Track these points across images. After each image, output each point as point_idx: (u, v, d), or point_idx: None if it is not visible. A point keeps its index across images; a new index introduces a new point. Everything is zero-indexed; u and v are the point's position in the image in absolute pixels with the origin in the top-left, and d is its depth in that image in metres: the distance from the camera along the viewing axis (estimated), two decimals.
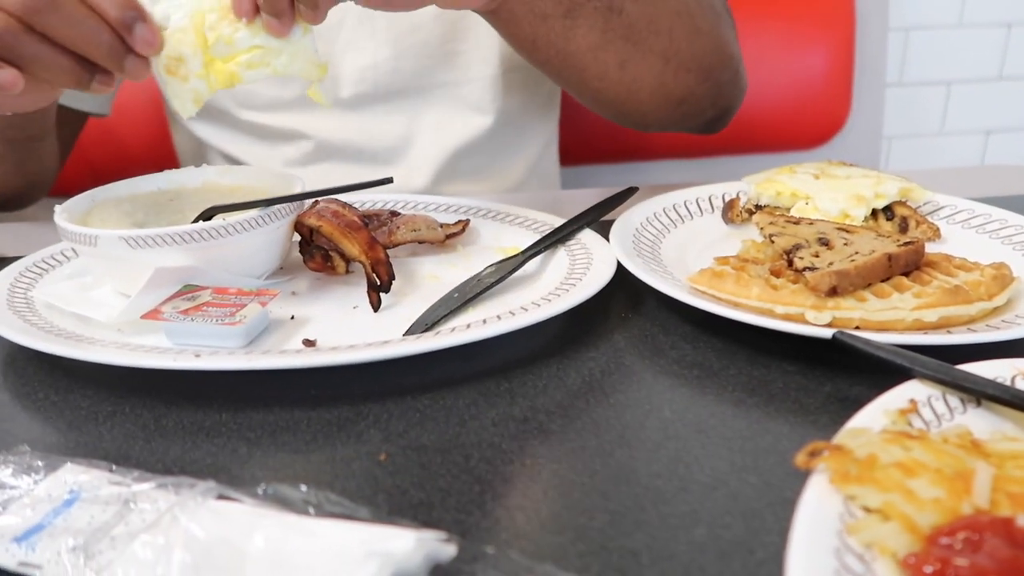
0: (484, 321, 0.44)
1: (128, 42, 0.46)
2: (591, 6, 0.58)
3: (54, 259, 0.55)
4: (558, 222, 0.58)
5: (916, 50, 1.40)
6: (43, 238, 0.61)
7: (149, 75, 0.47)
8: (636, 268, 0.48)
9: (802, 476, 0.33)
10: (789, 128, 1.29)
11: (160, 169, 0.58)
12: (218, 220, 0.48)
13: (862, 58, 1.29)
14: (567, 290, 0.47)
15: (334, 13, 0.77)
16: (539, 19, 0.58)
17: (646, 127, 0.71)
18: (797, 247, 0.47)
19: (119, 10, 0.44)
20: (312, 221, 0.50)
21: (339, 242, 0.49)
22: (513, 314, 0.44)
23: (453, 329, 0.43)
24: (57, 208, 0.50)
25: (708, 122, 0.74)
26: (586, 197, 0.71)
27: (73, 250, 0.56)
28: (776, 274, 0.46)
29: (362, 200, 0.64)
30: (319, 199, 0.53)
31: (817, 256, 0.46)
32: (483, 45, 0.79)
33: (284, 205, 0.50)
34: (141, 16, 0.45)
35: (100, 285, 0.51)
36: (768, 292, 0.44)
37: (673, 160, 1.22)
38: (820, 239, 0.48)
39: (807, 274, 0.43)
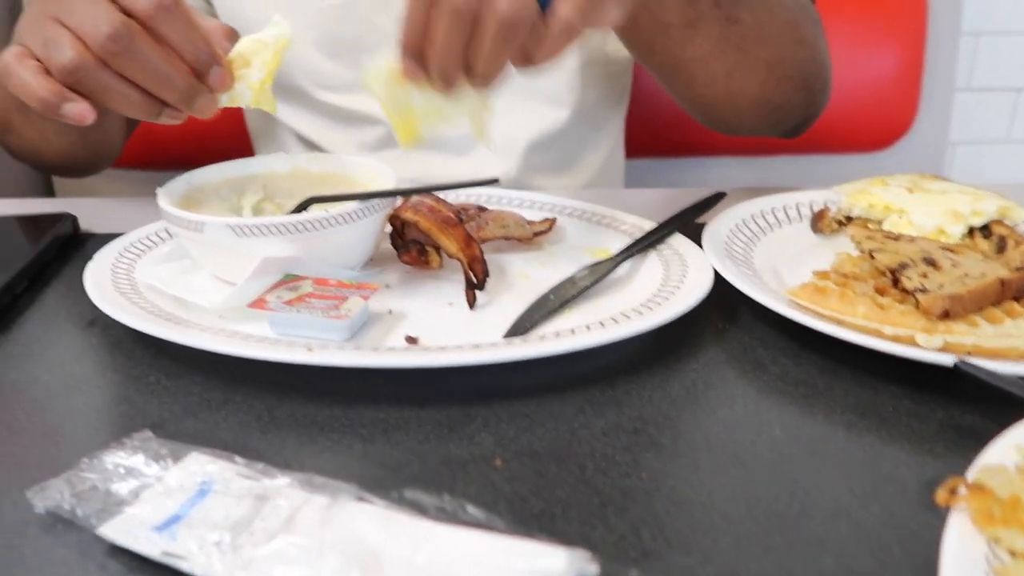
0: (588, 327, 0.44)
1: (204, 83, 0.47)
2: (712, 16, 0.58)
3: (149, 240, 0.56)
4: (645, 224, 0.58)
5: (986, 55, 1.36)
6: (127, 214, 0.61)
7: (214, 114, 0.48)
8: (735, 278, 0.48)
9: (926, 508, 0.33)
10: (854, 130, 1.27)
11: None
12: (320, 211, 0.48)
13: (932, 61, 1.27)
14: (667, 298, 0.47)
15: None
16: (660, 28, 0.58)
17: (734, 132, 0.71)
18: (903, 266, 0.47)
19: (195, 54, 0.46)
20: (409, 216, 0.50)
21: (436, 238, 0.49)
22: (616, 321, 0.44)
23: (558, 334, 0.43)
24: (159, 192, 0.51)
25: (793, 128, 0.73)
26: (662, 198, 0.71)
27: (167, 231, 0.56)
28: (881, 292, 0.46)
29: (445, 193, 0.64)
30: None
31: (925, 276, 0.45)
32: None
33: (376, 193, 0.50)
34: (216, 60, 0.46)
35: (198, 269, 0.52)
36: (875, 311, 0.44)
37: (734, 158, 1.20)
38: (925, 259, 0.47)
39: (920, 296, 0.43)
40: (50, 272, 0.56)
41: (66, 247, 0.60)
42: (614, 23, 0.49)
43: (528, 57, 0.46)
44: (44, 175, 1.11)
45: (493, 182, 0.46)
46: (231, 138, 0.96)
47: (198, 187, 0.55)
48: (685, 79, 0.63)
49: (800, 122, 0.73)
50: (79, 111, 0.45)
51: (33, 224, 0.62)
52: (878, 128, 1.30)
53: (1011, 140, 1.40)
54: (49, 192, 1.15)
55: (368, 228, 0.50)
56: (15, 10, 1.09)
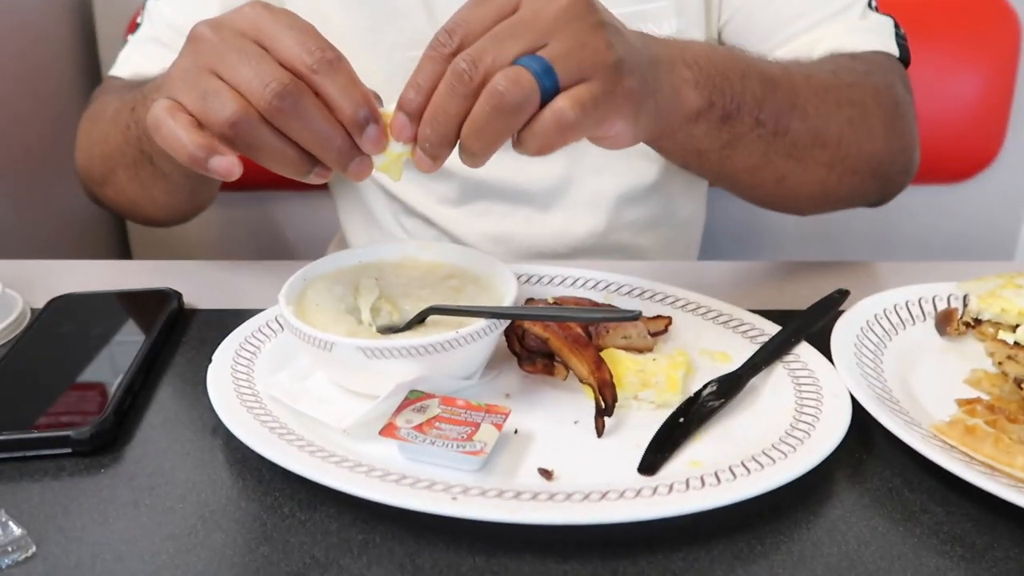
0: (733, 473, 0.42)
1: (356, 140, 0.44)
2: (753, 135, 0.55)
3: (262, 333, 0.55)
4: (762, 322, 0.56)
5: None
6: (225, 279, 0.61)
7: (367, 176, 0.46)
8: (876, 409, 0.46)
9: None
10: (935, 160, 1.22)
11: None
12: (448, 332, 0.47)
13: (1022, 85, 1.21)
14: (807, 433, 0.45)
15: None
16: (693, 154, 0.56)
17: (802, 216, 0.70)
18: None
19: (353, 108, 0.43)
20: (539, 331, 0.49)
21: (566, 359, 0.48)
22: (760, 464, 0.43)
23: (703, 480, 0.42)
24: (282, 301, 0.50)
25: (871, 205, 0.71)
26: (760, 274, 0.69)
27: (278, 321, 0.56)
28: None
29: (539, 274, 0.62)
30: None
31: None
32: None
33: (506, 312, 0.49)
34: (374, 117, 0.44)
35: (313, 373, 0.52)
36: None
37: None
38: None
39: None
40: (162, 360, 0.56)
41: (172, 327, 0.60)
42: (623, 140, 0.47)
43: (520, 142, 0.44)
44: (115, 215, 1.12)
45: (635, 317, 0.44)
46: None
47: (312, 282, 0.54)
48: (730, 185, 0.62)
49: (879, 201, 0.71)
50: (227, 165, 0.43)
51: (138, 302, 0.62)
52: (961, 157, 1.25)
53: None
54: (120, 227, 1.16)
55: (491, 342, 0.49)
56: (87, 26, 1.08)
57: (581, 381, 0.48)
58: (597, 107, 0.42)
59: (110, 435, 0.48)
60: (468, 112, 0.42)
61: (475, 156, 0.44)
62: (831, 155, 0.61)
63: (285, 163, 0.45)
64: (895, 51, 0.70)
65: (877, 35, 0.70)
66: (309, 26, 0.44)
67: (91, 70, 1.08)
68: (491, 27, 0.43)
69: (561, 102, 0.42)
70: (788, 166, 0.60)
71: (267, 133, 0.43)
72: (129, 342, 0.56)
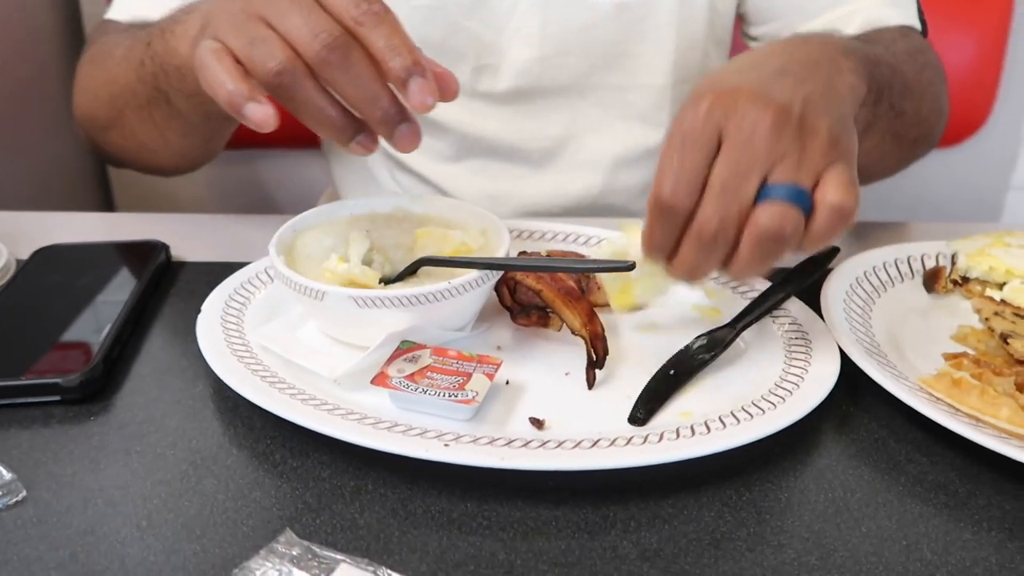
0: (722, 422, 0.43)
1: (402, 95, 0.43)
2: (886, 116, 0.56)
3: (251, 284, 0.55)
4: (754, 280, 0.56)
5: None
6: (213, 232, 0.60)
7: (416, 147, 0.45)
8: (864, 363, 0.47)
9: None
10: None
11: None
12: (441, 283, 0.46)
13: (1014, 51, 1.21)
14: (796, 384, 0.46)
15: None
16: None
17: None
18: None
19: (397, 60, 0.42)
20: (531, 283, 0.49)
21: (559, 311, 0.48)
22: (750, 415, 0.43)
23: (692, 429, 0.42)
24: (273, 251, 0.49)
25: None
26: None
27: (267, 273, 0.56)
28: (1021, 388, 0.45)
29: (531, 229, 0.62)
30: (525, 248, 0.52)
31: None
32: (659, 51, 0.75)
33: (499, 263, 0.49)
34: (420, 71, 0.43)
35: (304, 323, 0.51)
36: (1020, 415, 0.42)
37: None
38: None
39: None
40: (149, 311, 0.56)
41: (160, 278, 0.59)
42: None
43: (805, 249, 0.42)
44: (95, 166, 1.09)
45: (630, 267, 0.44)
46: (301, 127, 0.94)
47: (301, 233, 0.53)
48: None
49: None
50: (262, 115, 0.43)
51: (125, 253, 0.61)
52: (950, 122, 1.24)
53: None
54: (103, 183, 1.14)
55: (483, 294, 0.49)
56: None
57: (573, 333, 0.48)
58: (854, 179, 0.41)
59: (99, 383, 0.47)
60: (730, 252, 0.42)
61: (747, 279, 0.43)
62: (920, 132, 0.64)
63: (326, 123, 0.44)
64: (918, 25, 0.71)
65: (904, 8, 0.71)
66: None
67: (72, 20, 1.06)
68: (703, 171, 0.41)
69: (833, 197, 0.40)
70: (892, 145, 0.62)
71: (312, 87, 0.43)
72: (116, 292, 0.56)
